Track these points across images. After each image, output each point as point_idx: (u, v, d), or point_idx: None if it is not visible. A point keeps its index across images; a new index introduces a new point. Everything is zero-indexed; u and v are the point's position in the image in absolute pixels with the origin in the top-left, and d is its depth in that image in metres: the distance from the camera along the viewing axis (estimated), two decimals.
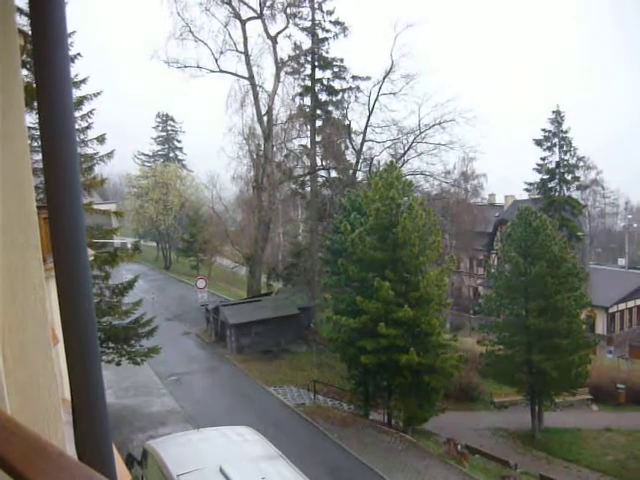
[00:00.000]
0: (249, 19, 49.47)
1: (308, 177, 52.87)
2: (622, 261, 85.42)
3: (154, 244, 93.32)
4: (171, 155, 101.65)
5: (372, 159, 51.89)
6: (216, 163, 57.84)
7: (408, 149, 51.16)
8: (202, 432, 15.25)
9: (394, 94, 49.73)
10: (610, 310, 63.96)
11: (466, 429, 35.48)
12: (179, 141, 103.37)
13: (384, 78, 49.54)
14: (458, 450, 28.73)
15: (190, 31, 48.59)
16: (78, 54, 28.55)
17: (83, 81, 29.30)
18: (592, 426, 37.91)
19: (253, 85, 49.33)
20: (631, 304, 67.14)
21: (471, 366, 37.12)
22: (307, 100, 51.56)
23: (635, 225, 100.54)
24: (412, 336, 29.57)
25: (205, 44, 49.09)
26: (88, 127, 30.75)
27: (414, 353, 28.18)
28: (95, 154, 31.13)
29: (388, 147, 51.90)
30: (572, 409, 40.50)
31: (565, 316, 34.60)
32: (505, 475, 26.15)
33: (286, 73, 50.66)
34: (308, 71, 51.12)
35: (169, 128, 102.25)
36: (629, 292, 66.65)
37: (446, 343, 31.49)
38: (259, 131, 50.70)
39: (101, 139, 31.03)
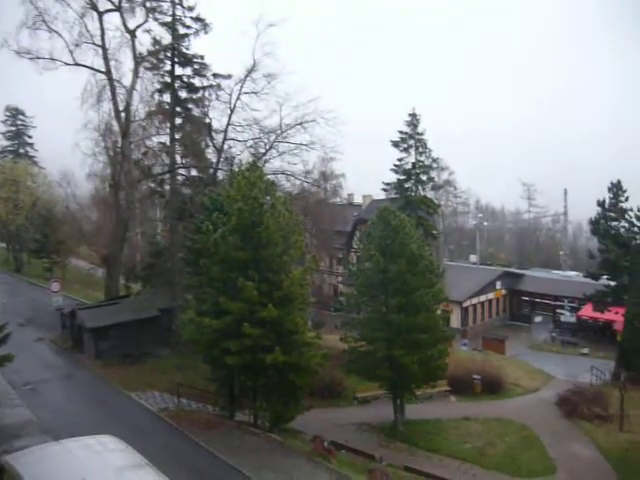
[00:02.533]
0: (107, 11, 47.42)
1: (167, 176, 51.57)
2: (473, 258, 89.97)
3: (4, 245, 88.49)
4: (21, 151, 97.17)
5: (233, 158, 51.48)
6: (70, 160, 55.36)
7: (270, 148, 51.11)
8: (62, 444, 14.42)
9: (256, 93, 49.51)
10: (464, 304, 67.12)
11: (332, 425, 36.01)
12: (30, 136, 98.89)
13: (246, 77, 49.22)
14: (324, 447, 29.00)
15: (43, 21, 46.12)
16: None
17: None
18: (451, 416, 39.63)
19: (110, 80, 47.46)
20: (483, 298, 70.87)
21: (335, 363, 37.51)
22: (167, 97, 50.29)
23: (485, 223, 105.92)
24: (277, 335, 29.40)
25: (60, 35, 46.66)
26: None
27: (279, 352, 28.17)
28: None
29: (250, 146, 51.63)
30: (432, 401, 42.08)
31: (424, 311, 35.82)
32: (371, 468, 26.63)
33: (145, 69, 49.04)
34: (168, 67, 49.85)
35: (19, 123, 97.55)
36: (481, 287, 70.33)
37: (310, 341, 31.61)
38: (116, 127, 48.92)
39: None
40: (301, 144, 50.55)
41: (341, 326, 40.07)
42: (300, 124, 49.81)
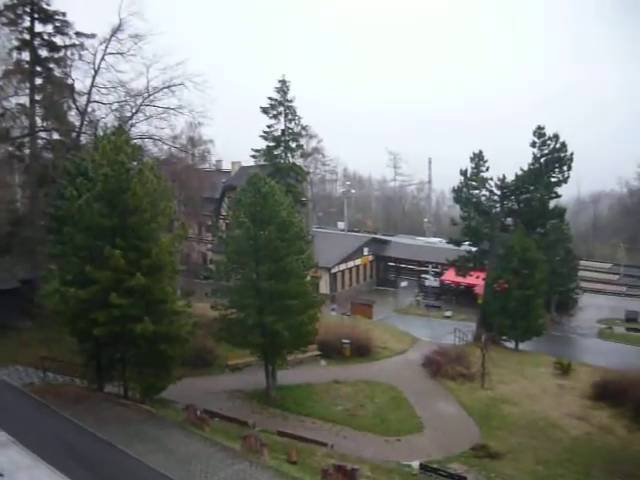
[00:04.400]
0: None
1: (27, 139, 49.18)
2: (341, 224, 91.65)
3: None
4: None
5: (98, 121, 49.77)
6: None
7: (136, 112, 49.86)
8: None
9: (122, 54, 48.01)
10: (332, 270, 68.28)
11: (204, 394, 35.87)
12: None
13: (111, 37, 47.60)
14: (197, 415, 28.77)
15: None
16: None
17: None
18: (322, 380, 40.44)
19: None
20: (351, 264, 72.41)
21: (206, 331, 37.36)
22: (26, 55, 47.64)
23: (353, 191, 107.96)
24: (146, 305, 28.99)
25: None
26: None
27: (148, 322, 27.83)
28: None
29: (115, 109, 50.06)
30: (303, 366, 42.87)
31: (294, 278, 36.16)
32: (245, 435, 26.70)
33: (1, 24, 46.26)
34: (27, 24, 47.15)
35: None
36: (349, 253, 71.78)
37: (180, 310, 31.48)
38: None
39: None
40: (169, 108, 49.79)
41: (211, 294, 39.73)
42: (168, 87, 48.92)
